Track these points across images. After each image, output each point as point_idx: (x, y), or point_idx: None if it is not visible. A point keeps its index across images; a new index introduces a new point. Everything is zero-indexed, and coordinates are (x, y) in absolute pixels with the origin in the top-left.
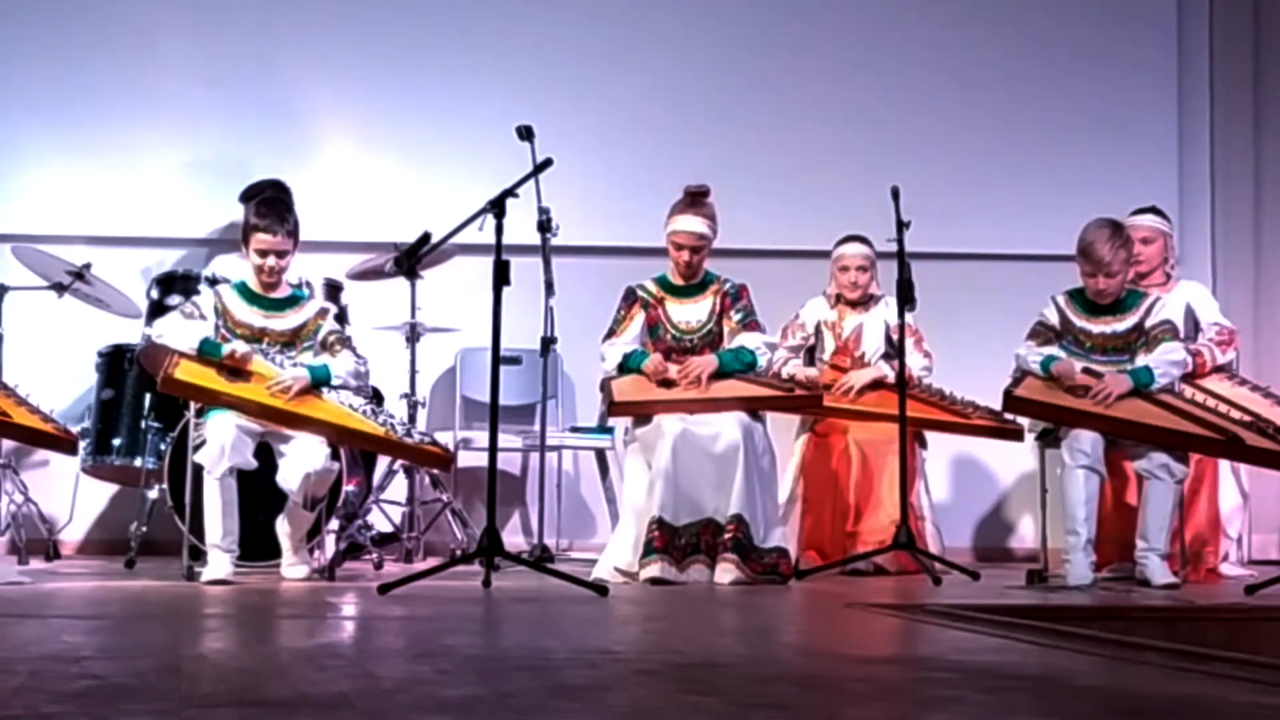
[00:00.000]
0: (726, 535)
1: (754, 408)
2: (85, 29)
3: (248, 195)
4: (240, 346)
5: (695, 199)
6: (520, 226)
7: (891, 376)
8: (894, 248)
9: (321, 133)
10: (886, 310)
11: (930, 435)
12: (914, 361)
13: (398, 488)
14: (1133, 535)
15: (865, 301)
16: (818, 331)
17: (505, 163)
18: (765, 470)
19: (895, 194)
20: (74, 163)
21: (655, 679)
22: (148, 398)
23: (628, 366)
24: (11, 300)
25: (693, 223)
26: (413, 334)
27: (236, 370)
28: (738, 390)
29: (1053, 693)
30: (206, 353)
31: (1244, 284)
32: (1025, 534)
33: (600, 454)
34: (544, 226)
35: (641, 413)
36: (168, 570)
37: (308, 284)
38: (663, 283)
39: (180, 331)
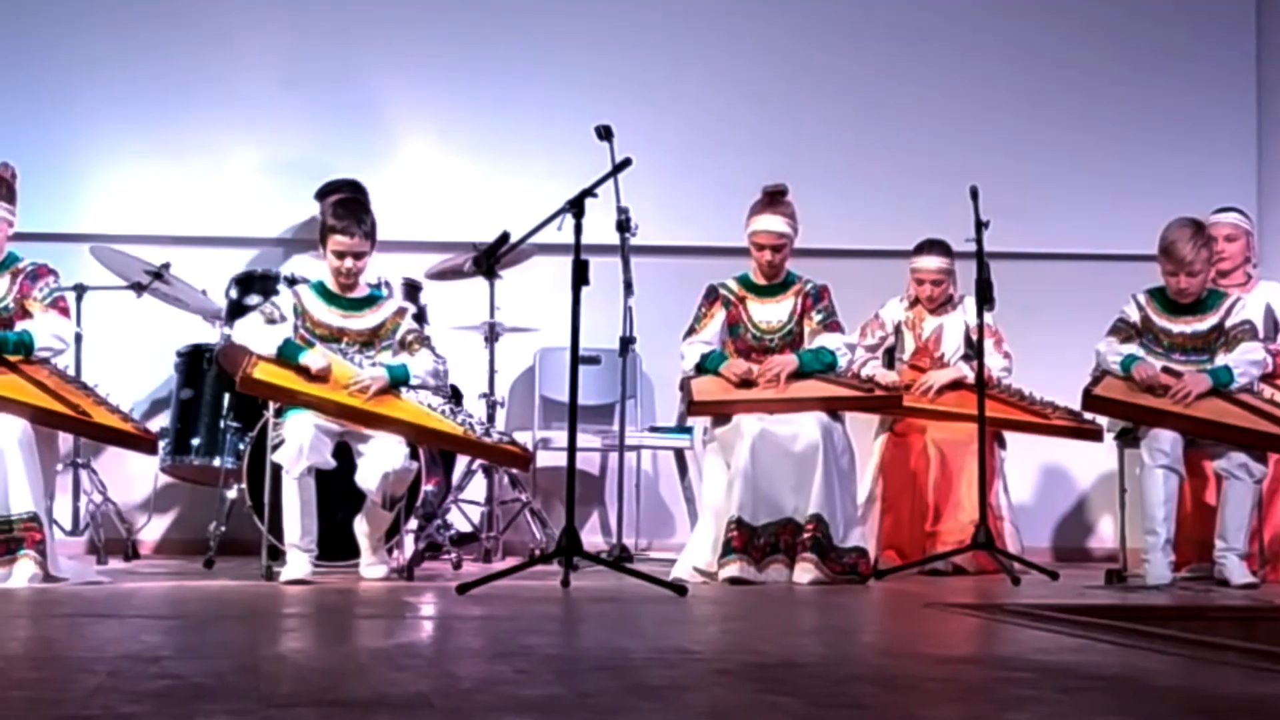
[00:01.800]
0: (805, 535)
1: (833, 408)
2: (165, 30)
3: (323, 193)
4: (319, 361)
5: (774, 198)
6: (599, 226)
7: (971, 377)
8: (973, 247)
9: (401, 132)
10: (965, 312)
11: (1009, 435)
12: (993, 362)
13: (476, 487)
14: (1211, 535)
15: (944, 304)
16: (897, 332)
17: (584, 162)
18: (844, 470)
19: (974, 193)
20: (153, 163)
21: (734, 679)
22: (227, 397)
23: (705, 367)
24: (91, 300)
25: (773, 222)
26: (491, 333)
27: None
28: (817, 390)
29: (1131, 693)
30: (286, 356)
31: None
32: (1104, 534)
33: (679, 454)
34: (623, 226)
35: (721, 412)
36: (246, 570)
37: (386, 284)
38: (745, 282)
39: (260, 334)
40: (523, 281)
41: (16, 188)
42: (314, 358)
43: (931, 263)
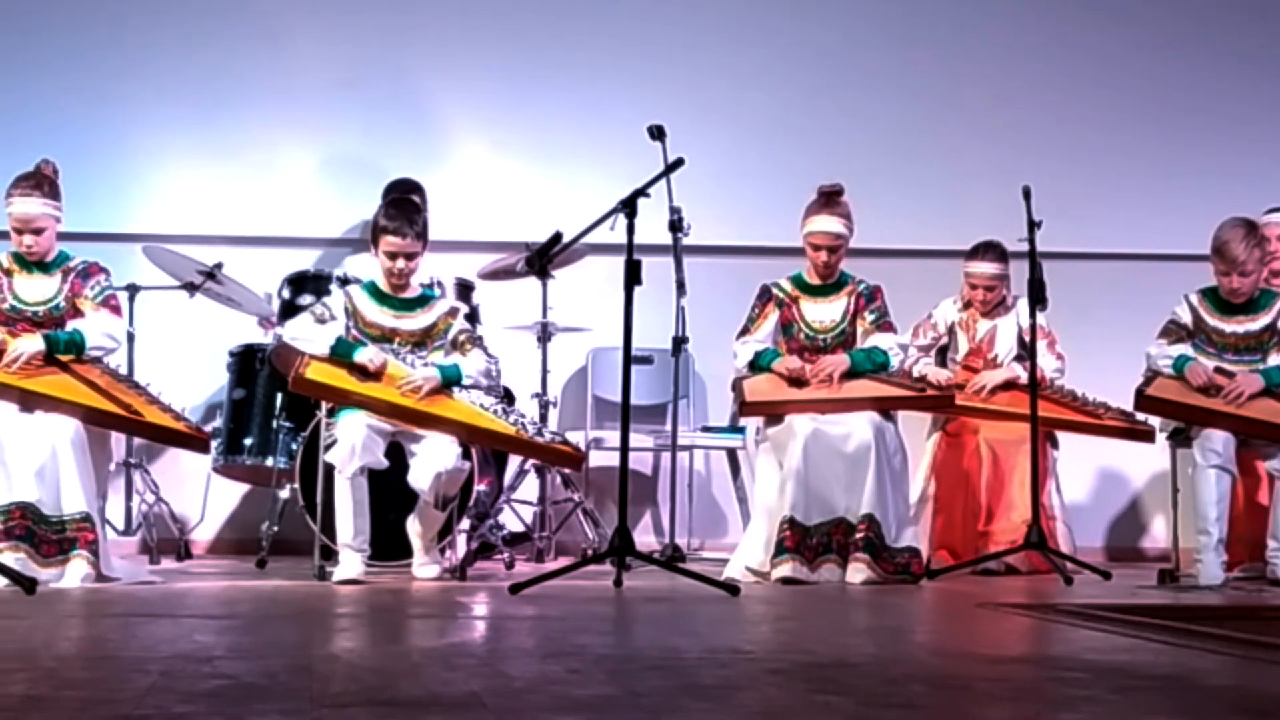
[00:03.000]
0: (858, 535)
1: (886, 407)
2: (219, 29)
3: (388, 193)
4: (373, 357)
5: (830, 198)
6: (652, 226)
7: (1024, 377)
8: (1025, 247)
9: (454, 133)
10: (1019, 313)
11: (1062, 435)
12: (1046, 363)
13: (529, 487)
14: (1264, 535)
15: (998, 307)
16: (951, 332)
17: (637, 162)
18: (897, 470)
19: (1027, 194)
20: (206, 163)
21: (786, 678)
22: (279, 397)
23: (758, 365)
24: (144, 300)
25: (829, 223)
26: (544, 333)
27: (368, 370)
28: (870, 390)
29: (1184, 693)
30: (340, 355)
31: None
32: (1157, 534)
33: (732, 453)
34: (675, 226)
35: (773, 412)
36: (299, 570)
37: (438, 283)
38: (798, 281)
39: (312, 334)
40: (575, 281)
41: (60, 185)
42: (368, 353)
43: (985, 268)
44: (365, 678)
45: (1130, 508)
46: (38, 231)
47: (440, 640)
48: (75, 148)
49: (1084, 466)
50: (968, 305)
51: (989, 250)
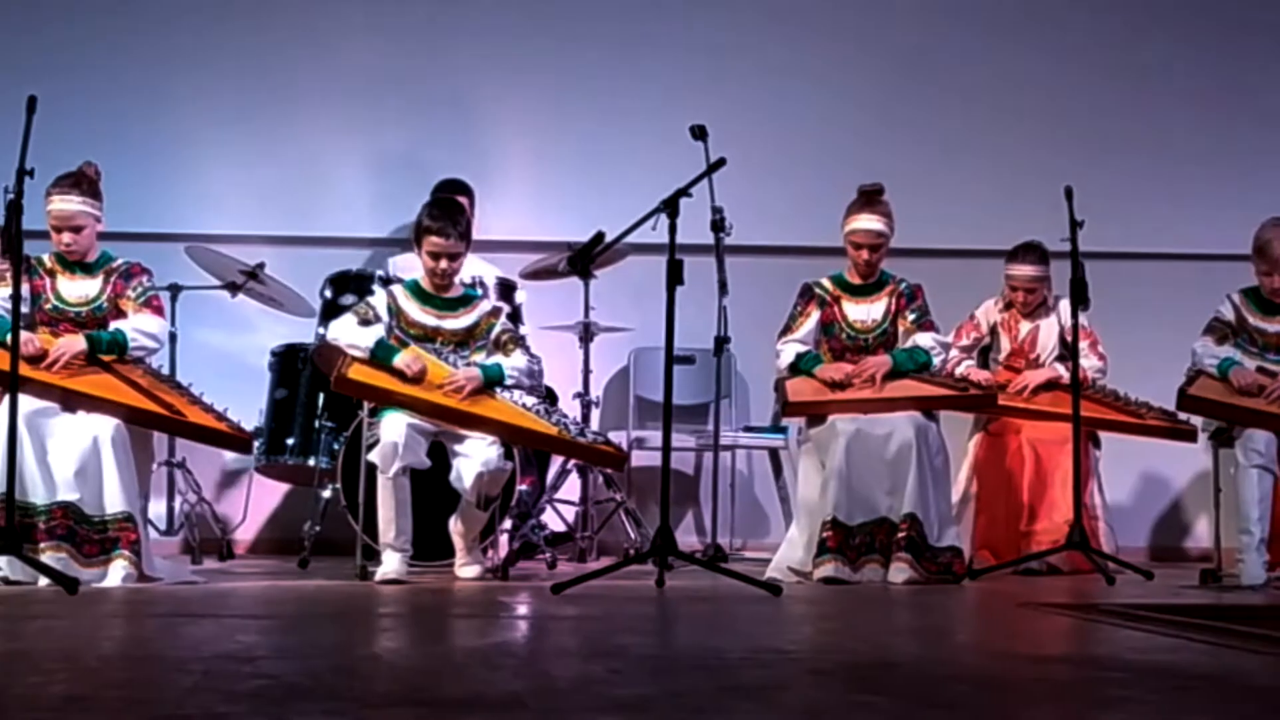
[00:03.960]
0: (900, 535)
1: (928, 407)
2: (263, 29)
3: (437, 192)
4: (414, 363)
5: (871, 197)
6: (693, 226)
7: (1066, 377)
8: (1067, 247)
9: (497, 132)
10: (1060, 314)
11: (1104, 435)
12: (1088, 363)
13: (571, 487)
14: None
15: (1039, 308)
16: (993, 333)
17: (679, 162)
18: (939, 470)
19: (1069, 194)
20: (248, 163)
21: (828, 679)
22: (321, 397)
23: (799, 368)
24: (186, 300)
25: (871, 221)
26: (586, 333)
27: (407, 374)
28: (912, 390)
29: (1227, 692)
30: (379, 359)
31: None
32: (1199, 533)
33: (774, 453)
34: (717, 226)
35: (816, 413)
36: (341, 570)
37: (481, 283)
38: (839, 281)
39: (354, 335)
40: (617, 281)
41: (102, 187)
42: (407, 360)
43: (1025, 270)
44: (407, 678)
45: (1172, 508)
46: (76, 230)
47: (482, 640)
48: (119, 148)
49: (1126, 466)
50: (1009, 306)
51: (1029, 252)
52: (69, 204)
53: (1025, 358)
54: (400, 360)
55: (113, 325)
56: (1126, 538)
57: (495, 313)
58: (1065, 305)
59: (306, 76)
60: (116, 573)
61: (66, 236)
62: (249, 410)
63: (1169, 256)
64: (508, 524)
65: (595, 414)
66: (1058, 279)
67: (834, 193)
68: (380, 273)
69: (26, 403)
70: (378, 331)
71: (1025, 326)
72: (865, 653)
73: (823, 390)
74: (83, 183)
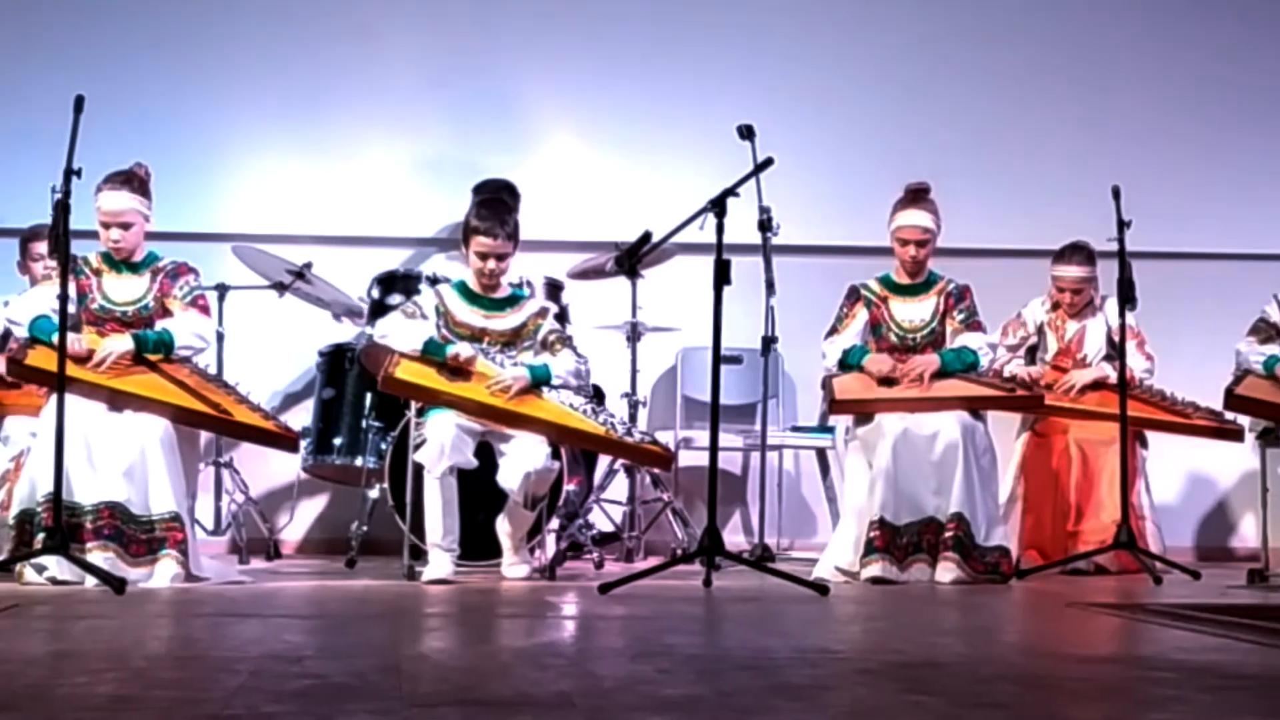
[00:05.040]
0: (947, 534)
1: (975, 407)
2: (309, 28)
3: (478, 191)
4: (465, 350)
5: (917, 195)
6: (741, 226)
7: (1113, 376)
8: (1115, 247)
9: (544, 132)
10: (1107, 314)
11: (1151, 435)
12: (1135, 363)
13: (618, 487)
14: None
15: (1085, 309)
16: (1040, 332)
17: (726, 162)
18: (986, 469)
19: (1116, 193)
20: (295, 162)
21: (876, 678)
22: (369, 397)
23: (847, 363)
24: (233, 299)
25: (917, 217)
26: (633, 333)
27: (457, 369)
28: (959, 390)
29: (1274, 693)
30: (430, 353)
31: None
32: (1246, 533)
33: (821, 453)
34: (765, 225)
35: (863, 411)
36: (388, 570)
37: (528, 283)
38: (886, 282)
39: (404, 332)
40: (665, 281)
41: (153, 188)
42: (460, 346)
43: (1071, 271)
44: (455, 678)
45: (1219, 507)
46: (125, 226)
47: (530, 640)
48: (166, 147)
49: (1173, 466)
50: (1055, 306)
51: (1075, 253)
52: (118, 200)
53: (1072, 357)
54: (452, 350)
55: (159, 325)
56: (1173, 538)
57: (543, 313)
58: (1112, 305)
59: (354, 77)
60: (164, 572)
61: (114, 232)
62: (296, 410)
63: (1217, 256)
64: (555, 524)
65: (643, 414)
66: (1105, 278)
67: (881, 192)
68: (428, 272)
69: (74, 402)
70: (427, 329)
71: (1072, 326)
72: (912, 652)
73: (870, 388)
74: (133, 180)
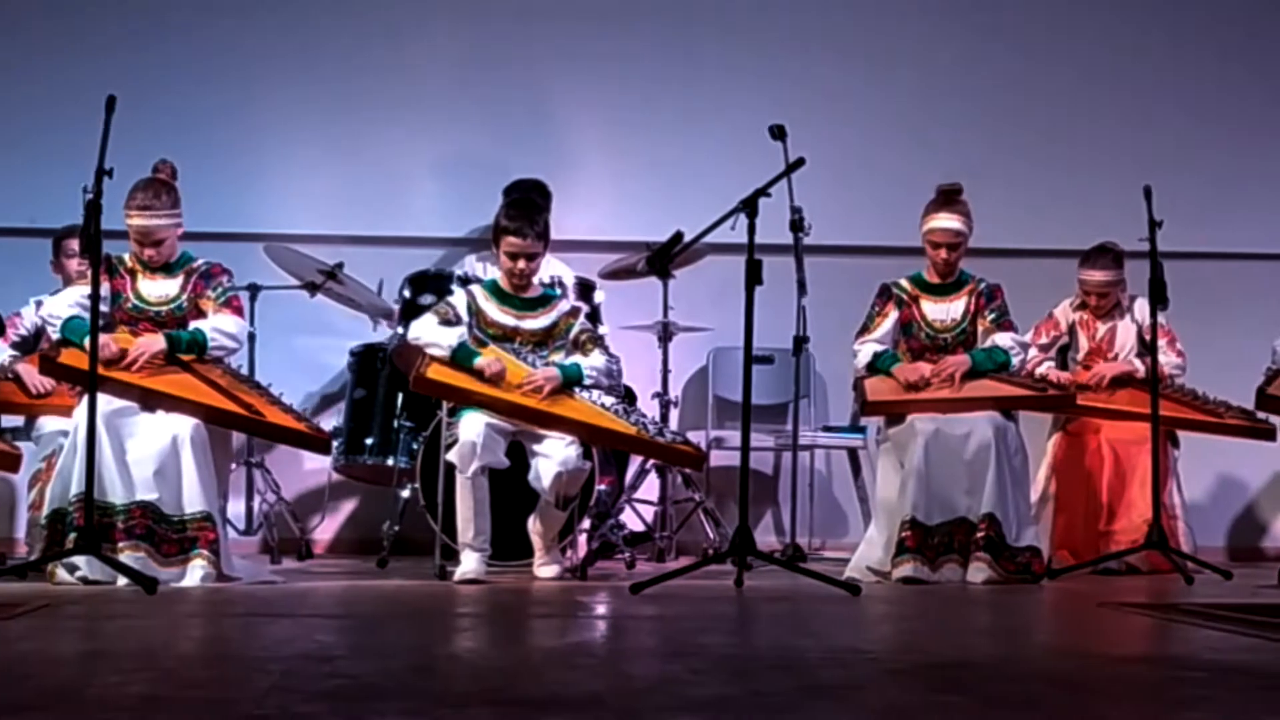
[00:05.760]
0: (979, 534)
1: (1007, 407)
2: (339, 29)
3: (508, 192)
4: (492, 366)
5: (949, 197)
6: (772, 226)
7: (1141, 371)
8: (1146, 247)
9: (575, 132)
10: (1135, 312)
11: (1182, 435)
12: (1166, 360)
13: (650, 487)
14: None
15: (1112, 310)
16: (1071, 331)
17: (758, 162)
18: (1017, 469)
19: (1148, 193)
20: (327, 163)
21: (907, 678)
22: (400, 397)
23: (877, 367)
24: (264, 299)
25: (949, 220)
26: (665, 333)
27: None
28: (990, 390)
29: None
30: (460, 360)
31: None
32: (1277, 533)
33: (853, 453)
34: (796, 226)
35: (895, 412)
36: (420, 569)
37: (559, 283)
38: (918, 281)
39: (436, 336)
40: (696, 281)
41: (178, 186)
42: (488, 361)
43: (1098, 275)
44: (486, 677)
45: (1251, 507)
46: (158, 244)
47: (561, 640)
48: (198, 148)
49: (1204, 466)
50: (1083, 306)
51: (1102, 255)
52: (150, 220)
53: (1103, 357)
54: (481, 361)
55: (192, 325)
56: (1205, 537)
57: (574, 313)
58: (1140, 304)
59: (385, 77)
60: (195, 572)
61: (148, 251)
62: (328, 410)
63: (1248, 256)
64: (586, 524)
65: (674, 414)
66: (1137, 278)
67: (913, 193)
68: (459, 272)
69: (106, 402)
70: (460, 332)
71: (1102, 326)
72: (944, 653)
73: (901, 389)
74: (161, 193)
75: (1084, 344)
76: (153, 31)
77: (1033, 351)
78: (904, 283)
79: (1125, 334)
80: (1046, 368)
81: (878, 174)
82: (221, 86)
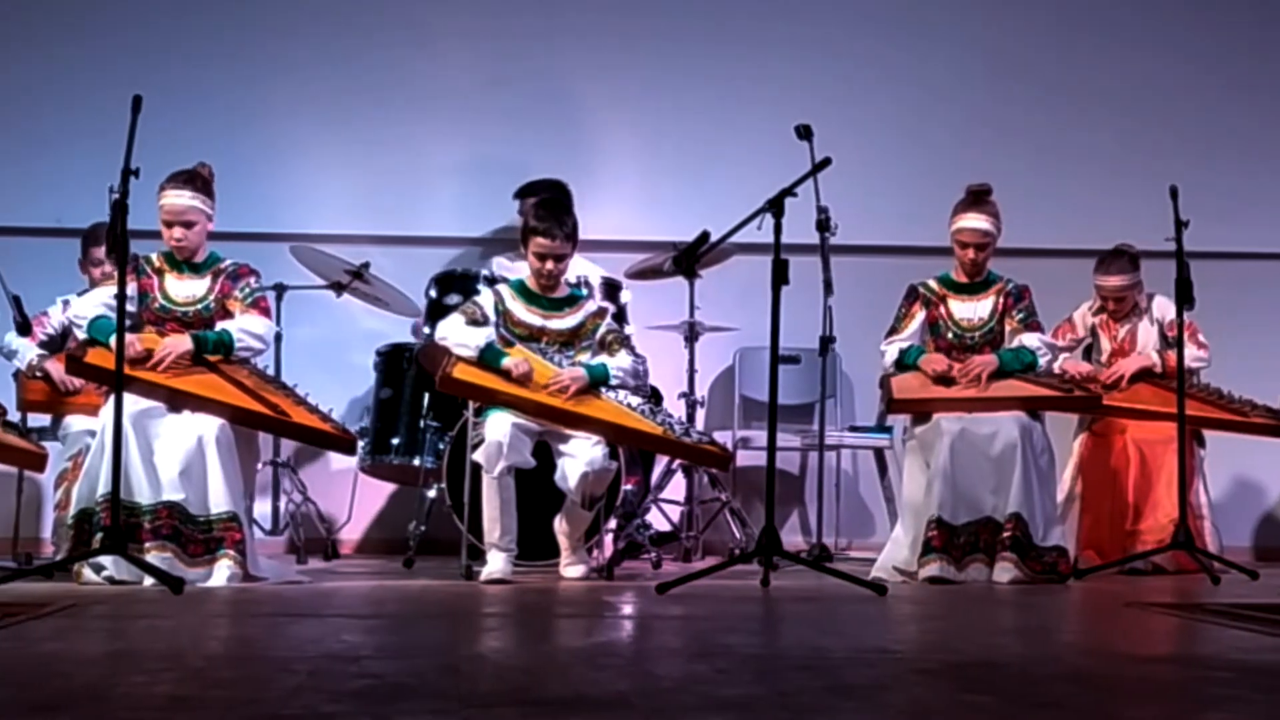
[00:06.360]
0: (1005, 534)
1: (1033, 407)
2: (363, 29)
3: (523, 193)
4: (520, 367)
5: (978, 197)
6: (799, 226)
7: (1159, 364)
8: (1172, 246)
9: (601, 132)
10: (1154, 310)
11: (1208, 434)
12: (1189, 352)
13: (676, 487)
14: None
15: (1130, 313)
16: (1093, 332)
17: (784, 162)
18: (1043, 469)
19: (1174, 193)
20: (353, 163)
21: (933, 678)
22: (426, 397)
23: (904, 362)
24: (291, 299)
25: (977, 221)
26: (691, 333)
27: (512, 375)
28: (1017, 390)
29: None
30: (487, 360)
31: None
32: None
33: (879, 453)
34: (823, 225)
35: (921, 410)
36: (446, 569)
37: (586, 283)
38: (945, 281)
39: (463, 337)
40: (722, 281)
41: (215, 187)
42: (515, 361)
43: (1111, 281)
44: (512, 677)
45: (1277, 506)
46: (187, 225)
47: (587, 640)
48: (225, 148)
49: (1230, 465)
50: (1101, 310)
51: (1117, 260)
52: (181, 199)
53: (1125, 357)
54: (508, 361)
55: (219, 325)
56: (1230, 537)
57: (601, 313)
58: (1159, 301)
59: (411, 77)
60: (221, 572)
61: (177, 231)
62: (354, 410)
63: (1273, 256)
64: (613, 524)
65: (700, 414)
66: (1162, 277)
67: (940, 192)
68: (485, 272)
69: (132, 402)
70: (487, 332)
71: (1122, 329)
72: (970, 652)
73: (928, 388)
74: (196, 180)
75: (1106, 346)
76: (179, 32)
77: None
78: (931, 283)
79: (1146, 334)
80: (1064, 359)
81: (904, 174)
82: (247, 87)
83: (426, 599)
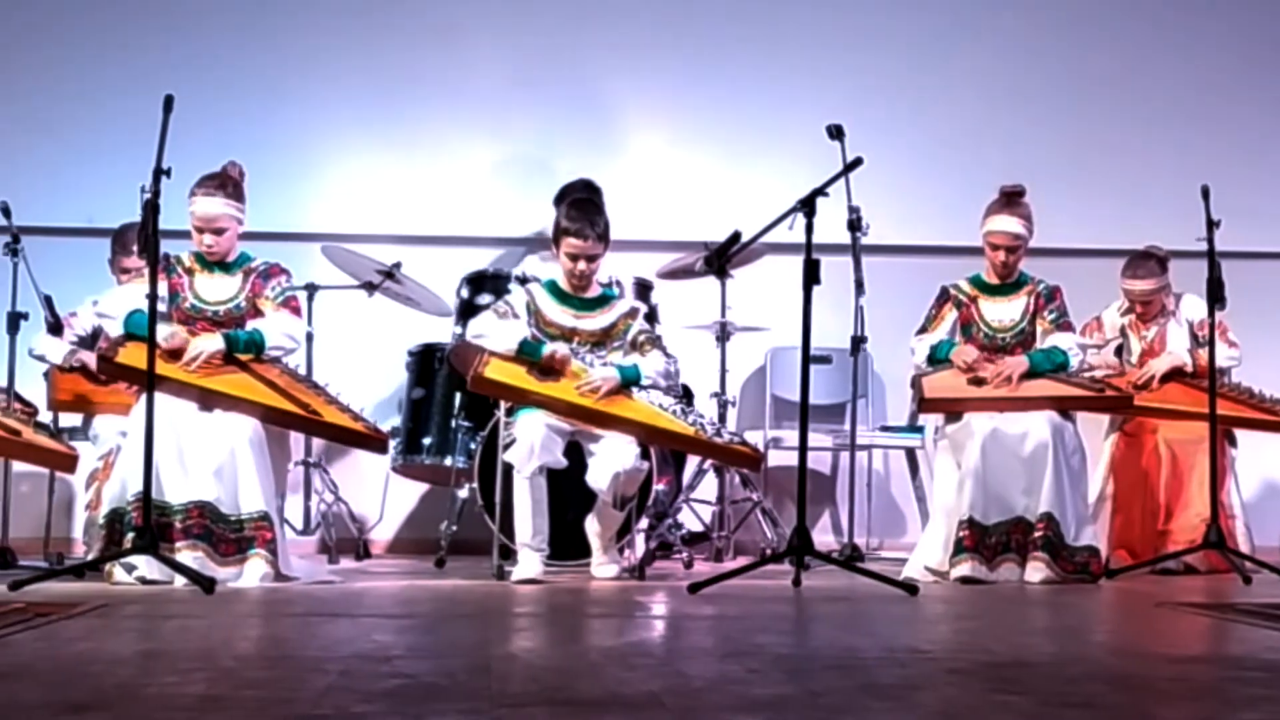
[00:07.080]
0: (1037, 534)
1: (1064, 407)
2: (394, 29)
3: (561, 198)
4: (561, 348)
5: (1011, 199)
6: (830, 225)
7: (1190, 364)
8: (1204, 246)
9: (632, 131)
10: (1183, 309)
11: (1240, 434)
12: (1220, 351)
13: (708, 487)
14: None
15: (1158, 315)
16: (1123, 333)
17: (815, 161)
18: (1075, 469)
19: (1205, 193)
20: (384, 162)
21: (965, 678)
22: (458, 397)
23: (936, 357)
24: (322, 299)
25: (1009, 223)
26: (723, 333)
27: (546, 369)
28: (1048, 389)
29: None
30: (526, 353)
31: None
32: None
33: (910, 453)
34: (854, 225)
35: (952, 410)
36: (478, 569)
37: (618, 283)
38: (977, 282)
39: (500, 332)
40: (754, 281)
41: (245, 187)
42: (556, 346)
43: (1138, 285)
44: (544, 677)
45: None
46: (219, 231)
47: (619, 640)
48: (254, 148)
49: (1263, 465)
50: (1129, 311)
51: (1144, 263)
52: (212, 206)
53: (1155, 358)
54: (549, 347)
55: (250, 325)
56: (1262, 537)
57: (633, 313)
58: (1187, 301)
59: (443, 77)
60: (253, 572)
61: (208, 238)
62: (386, 410)
63: None
64: (644, 523)
65: (732, 414)
66: (1193, 277)
67: (971, 192)
68: (517, 272)
69: (164, 402)
70: (522, 328)
71: (1151, 330)
72: (1002, 652)
73: (959, 387)
74: (227, 184)
75: (1136, 346)
76: (211, 31)
77: (1090, 352)
78: (963, 283)
79: (1176, 335)
80: (1094, 355)
81: (935, 173)
82: (278, 87)
83: (458, 599)
